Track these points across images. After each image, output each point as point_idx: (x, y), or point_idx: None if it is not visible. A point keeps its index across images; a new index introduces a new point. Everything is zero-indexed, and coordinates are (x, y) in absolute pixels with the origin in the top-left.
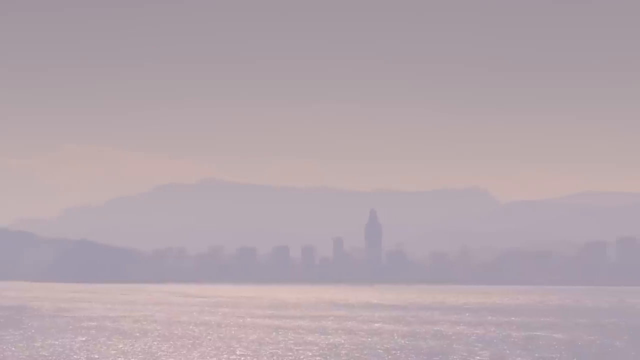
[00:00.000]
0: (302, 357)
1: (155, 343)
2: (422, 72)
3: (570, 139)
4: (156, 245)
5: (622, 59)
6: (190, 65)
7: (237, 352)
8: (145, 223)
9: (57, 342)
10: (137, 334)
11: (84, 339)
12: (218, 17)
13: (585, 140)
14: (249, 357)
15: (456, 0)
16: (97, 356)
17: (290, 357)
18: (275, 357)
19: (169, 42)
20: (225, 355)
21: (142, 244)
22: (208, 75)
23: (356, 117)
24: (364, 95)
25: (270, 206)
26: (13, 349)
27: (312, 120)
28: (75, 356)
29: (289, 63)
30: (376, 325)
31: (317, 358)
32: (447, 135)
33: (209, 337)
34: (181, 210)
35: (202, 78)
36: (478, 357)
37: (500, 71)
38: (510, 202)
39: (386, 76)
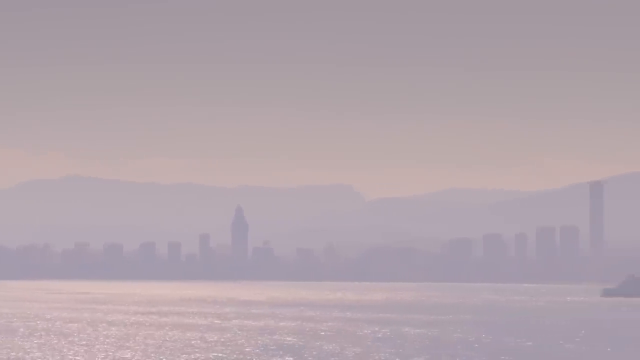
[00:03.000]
0: (162, 353)
1: (17, 339)
2: (286, 71)
3: (435, 136)
4: (21, 242)
5: (490, 56)
6: (55, 60)
7: (97, 347)
8: (10, 219)
9: None
10: None
11: None
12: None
13: (450, 138)
14: (110, 353)
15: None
16: None
17: (151, 353)
18: (136, 353)
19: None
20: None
21: (6, 240)
22: (75, 73)
23: (222, 114)
24: (229, 93)
25: (135, 202)
26: None
27: (176, 118)
28: None
29: (145, 62)
30: (235, 321)
31: (178, 354)
32: (312, 132)
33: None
34: (46, 206)
35: (68, 76)
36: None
37: (364, 68)
38: (376, 199)
39: (252, 75)
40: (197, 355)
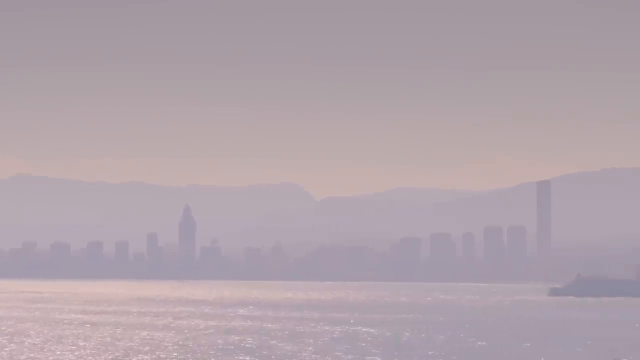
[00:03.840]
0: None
1: None
2: (236, 71)
3: (385, 136)
4: None
5: (438, 55)
6: (5, 62)
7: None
8: None
9: None
10: None
11: None
12: None
13: (399, 138)
14: (58, 353)
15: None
16: None
17: (99, 353)
18: (84, 352)
19: None
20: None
21: None
22: (24, 74)
23: (170, 114)
24: (179, 93)
25: (84, 202)
26: None
27: (125, 118)
28: None
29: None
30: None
31: (126, 353)
32: (262, 132)
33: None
34: None
35: (17, 77)
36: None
37: (315, 67)
38: (325, 198)
39: (201, 76)
40: (147, 355)
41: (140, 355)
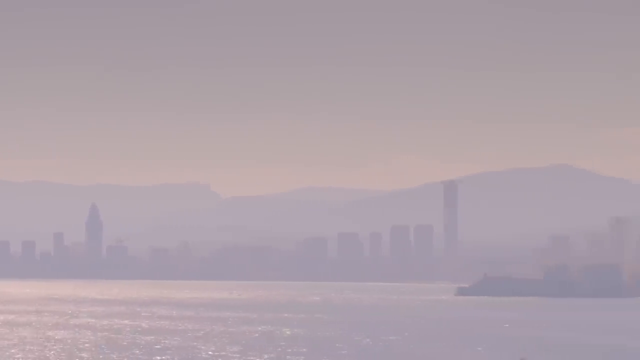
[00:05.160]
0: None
1: None
2: (147, 73)
3: (290, 135)
4: None
5: (333, 55)
6: None
7: None
8: None
9: None
10: None
11: None
12: None
13: (304, 138)
14: None
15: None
16: None
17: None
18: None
19: None
20: None
21: None
22: None
23: (77, 113)
24: (84, 92)
25: None
26: None
27: (32, 117)
28: None
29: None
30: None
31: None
32: (169, 131)
33: None
34: None
35: None
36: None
37: (220, 67)
38: (232, 198)
39: (110, 76)
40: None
41: (55, 355)
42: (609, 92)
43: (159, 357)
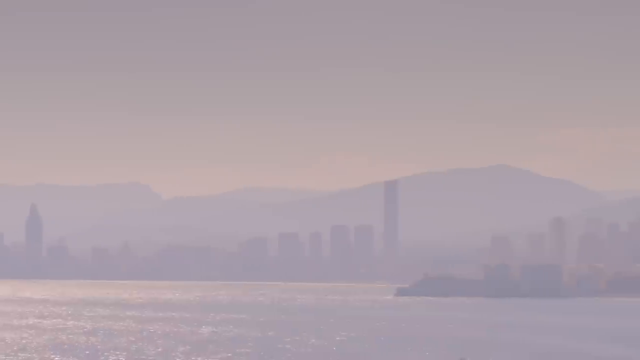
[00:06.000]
0: None
1: None
2: (86, 73)
3: (231, 136)
4: None
5: (283, 56)
6: None
7: None
8: None
9: None
10: None
11: None
12: None
13: (246, 138)
14: None
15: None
16: None
17: None
18: None
19: None
20: None
21: None
22: None
23: (17, 113)
24: (24, 93)
25: None
26: None
27: None
28: None
29: None
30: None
31: None
32: (110, 131)
33: None
34: None
35: None
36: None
37: (162, 68)
38: (173, 198)
39: (48, 76)
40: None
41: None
42: (547, 93)
43: (105, 358)
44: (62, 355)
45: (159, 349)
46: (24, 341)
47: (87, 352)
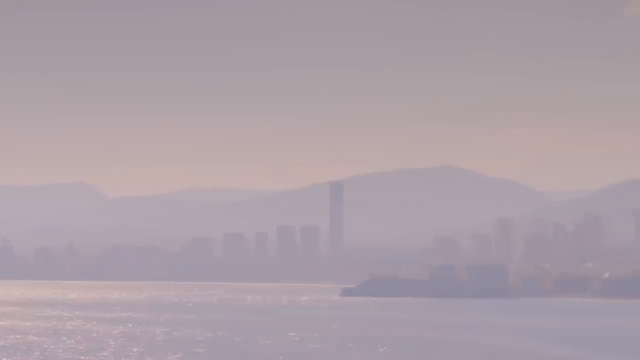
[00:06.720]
0: None
1: None
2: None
3: (177, 136)
4: None
5: (224, 57)
6: None
7: None
8: None
9: None
10: None
11: None
12: None
13: (191, 138)
14: None
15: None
16: None
17: None
18: None
19: None
20: None
21: None
22: None
23: None
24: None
25: None
26: None
27: None
28: None
29: None
30: None
31: None
32: (52, 131)
33: None
34: None
35: None
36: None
37: (105, 72)
38: (118, 198)
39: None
40: None
41: None
42: (490, 93)
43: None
44: (11, 355)
45: (112, 350)
46: None
47: (37, 352)
